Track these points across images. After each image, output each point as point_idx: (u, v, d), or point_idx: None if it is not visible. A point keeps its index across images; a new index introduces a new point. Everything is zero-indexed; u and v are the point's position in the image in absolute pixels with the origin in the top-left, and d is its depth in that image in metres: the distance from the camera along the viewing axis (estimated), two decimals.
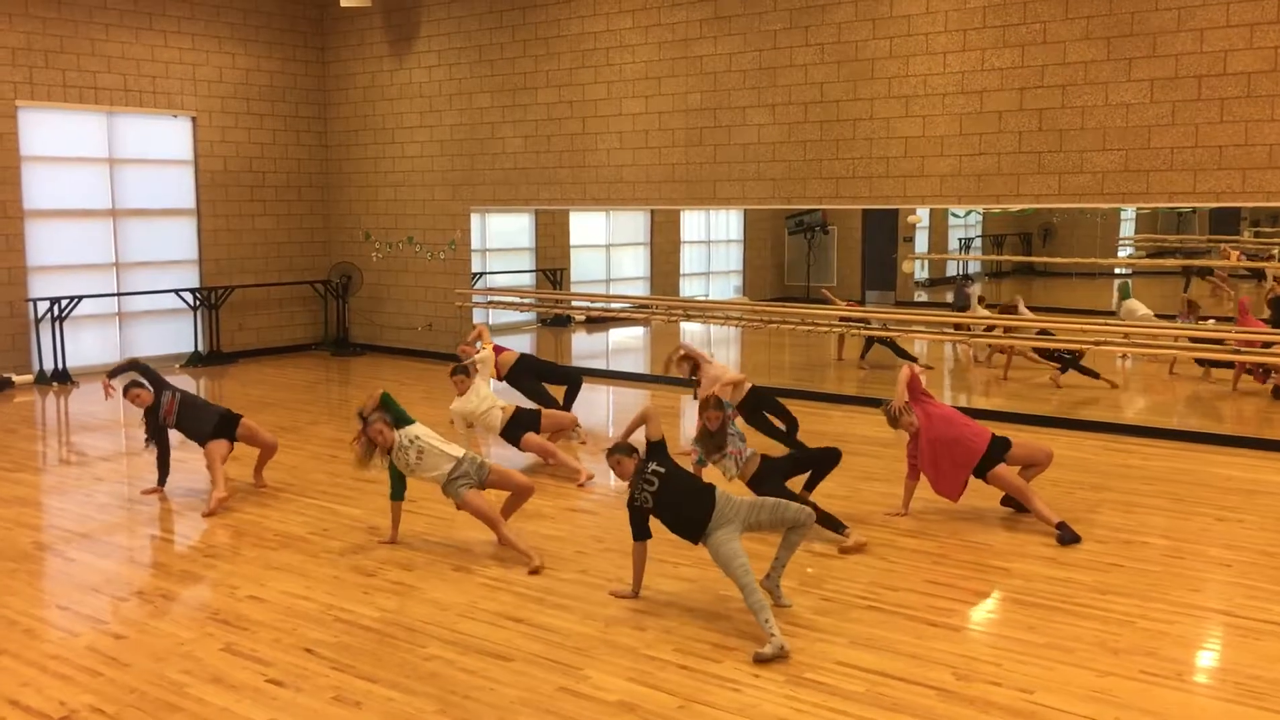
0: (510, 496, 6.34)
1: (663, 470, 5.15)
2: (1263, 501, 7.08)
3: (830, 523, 6.08)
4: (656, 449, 5.28)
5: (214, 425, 7.33)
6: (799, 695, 4.27)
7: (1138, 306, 10.85)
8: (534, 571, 5.73)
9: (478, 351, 8.53)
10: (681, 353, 8.45)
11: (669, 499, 5.11)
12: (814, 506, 5.70)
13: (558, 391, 9.40)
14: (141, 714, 4.18)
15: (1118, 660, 4.61)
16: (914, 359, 9.37)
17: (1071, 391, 10.59)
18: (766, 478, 6.26)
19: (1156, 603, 5.28)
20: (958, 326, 11.05)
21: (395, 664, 4.63)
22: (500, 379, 9.15)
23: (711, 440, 6.31)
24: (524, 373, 9.31)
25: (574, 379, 9.63)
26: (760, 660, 4.56)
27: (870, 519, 6.66)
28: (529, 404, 8.70)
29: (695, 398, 8.29)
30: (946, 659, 4.63)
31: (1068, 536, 6.17)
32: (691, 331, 14.40)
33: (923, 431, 6.55)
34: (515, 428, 7.94)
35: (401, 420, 6.12)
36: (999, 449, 6.55)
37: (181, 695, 4.34)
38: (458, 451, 6.12)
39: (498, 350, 9.09)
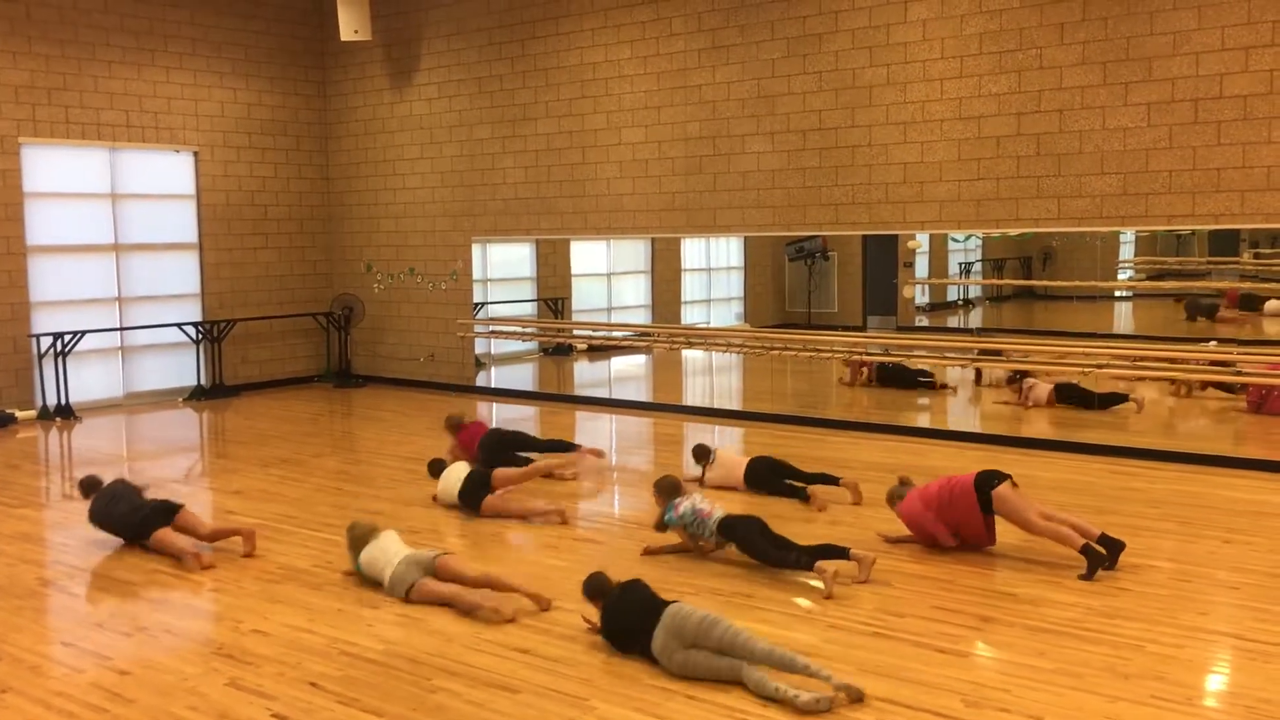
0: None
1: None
2: (1271, 523, 7.06)
3: (802, 562, 5.95)
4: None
5: (143, 517, 6.82)
6: None
7: None
8: (541, 607, 5.61)
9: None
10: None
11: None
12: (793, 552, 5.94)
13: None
14: None
15: (1127, 685, 4.59)
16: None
17: (1075, 415, 10.58)
18: (739, 525, 6.24)
19: (1165, 627, 5.26)
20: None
21: (401, 697, 4.60)
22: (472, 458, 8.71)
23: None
24: (494, 446, 8.87)
25: (554, 448, 9.12)
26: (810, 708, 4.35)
27: (875, 545, 6.63)
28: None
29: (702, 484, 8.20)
30: (955, 685, 4.61)
31: (1093, 565, 5.97)
32: (693, 358, 14.41)
33: (926, 509, 6.48)
34: (472, 492, 7.60)
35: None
36: (990, 477, 6.39)
37: None
38: (396, 557, 5.92)
39: (464, 435, 9.01)
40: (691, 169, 11.53)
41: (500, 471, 7.71)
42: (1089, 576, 5.91)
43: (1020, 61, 9.53)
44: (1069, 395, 10.75)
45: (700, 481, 8.09)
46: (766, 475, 7.93)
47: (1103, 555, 5.99)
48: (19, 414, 11.96)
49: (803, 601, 5.66)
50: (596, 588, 5.17)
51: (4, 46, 11.87)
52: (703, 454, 8.23)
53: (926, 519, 6.42)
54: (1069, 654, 4.93)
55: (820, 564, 5.84)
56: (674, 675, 4.69)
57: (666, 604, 4.87)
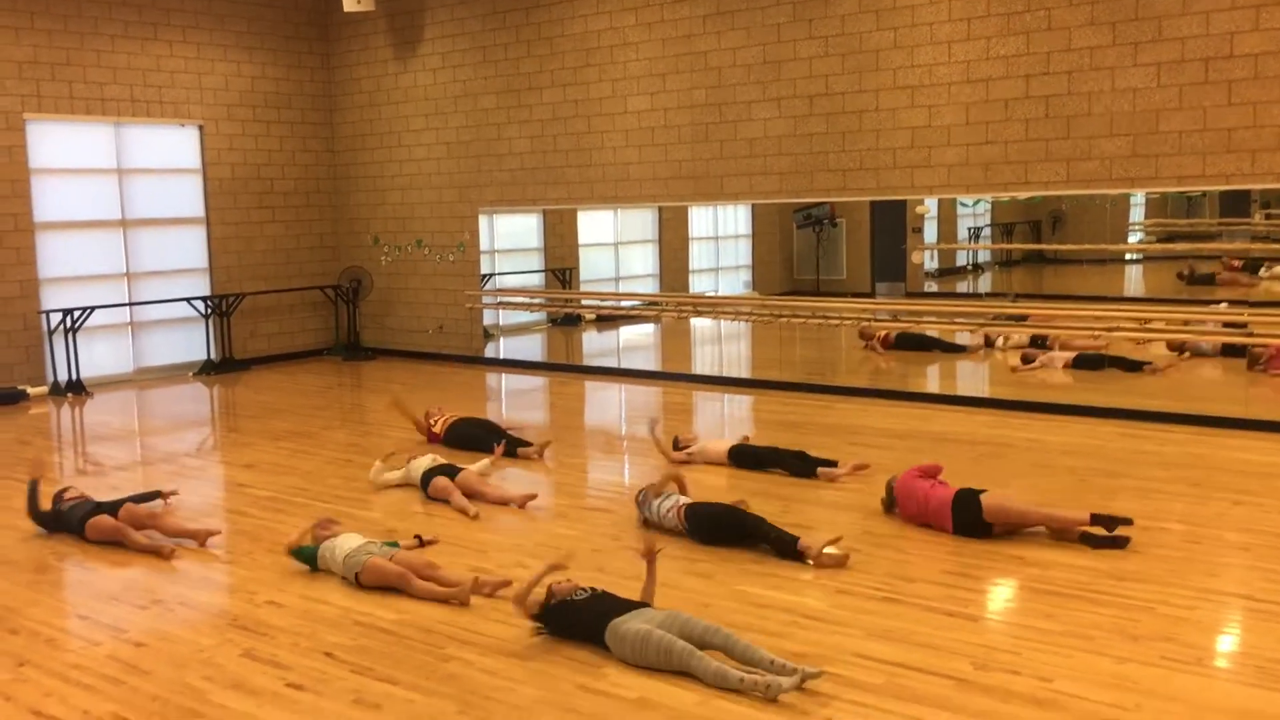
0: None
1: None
2: None
3: (787, 550, 5.84)
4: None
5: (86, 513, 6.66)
6: (817, 687, 4.27)
7: None
8: (462, 603, 5.32)
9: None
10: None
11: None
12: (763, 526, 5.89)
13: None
14: None
15: (1137, 646, 4.60)
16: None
17: (1088, 379, 10.56)
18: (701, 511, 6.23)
19: (1175, 588, 5.27)
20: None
21: (414, 666, 4.64)
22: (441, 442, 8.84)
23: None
24: (456, 437, 8.85)
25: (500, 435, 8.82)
26: (773, 692, 4.21)
27: (881, 512, 6.64)
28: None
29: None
30: (965, 649, 4.63)
31: (1103, 537, 5.84)
32: (701, 327, 14.39)
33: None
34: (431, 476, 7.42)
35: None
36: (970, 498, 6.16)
37: (203, 702, 4.36)
38: (351, 544, 5.82)
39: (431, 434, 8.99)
40: (698, 136, 11.48)
41: (463, 477, 7.38)
42: (1096, 545, 5.86)
43: (1029, 23, 9.44)
44: (1089, 364, 10.72)
45: (678, 448, 8.15)
46: (753, 453, 7.89)
47: (1102, 535, 5.86)
48: (30, 390, 12.02)
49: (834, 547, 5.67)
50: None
51: (7, 22, 11.84)
52: (681, 445, 8.24)
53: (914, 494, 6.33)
54: (1078, 616, 4.94)
55: (804, 543, 5.78)
56: (622, 657, 4.56)
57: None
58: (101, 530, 6.52)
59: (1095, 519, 5.90)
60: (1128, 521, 5.90)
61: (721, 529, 6.09)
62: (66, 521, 6.72)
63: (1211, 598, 5.16)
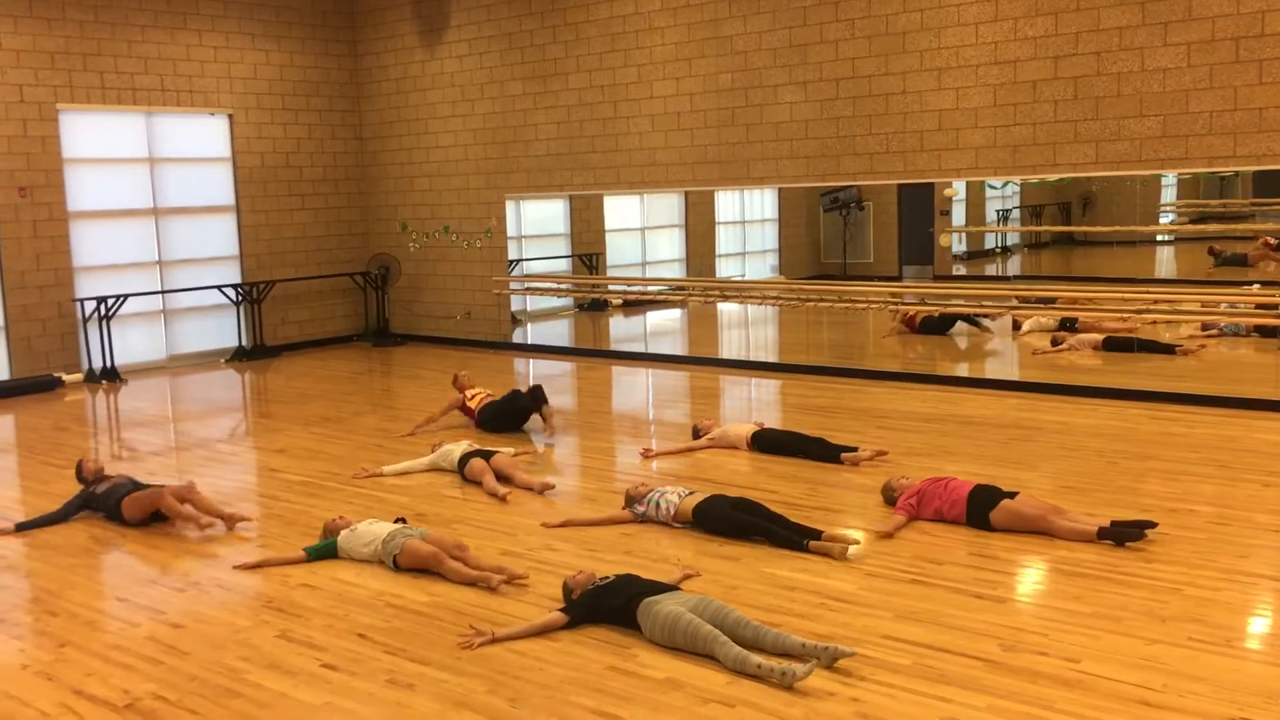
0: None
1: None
2: None
3: (791, 543, 5.79)
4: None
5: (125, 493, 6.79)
6: (846, 669, 4.30)
7: None
8: (491, 588, 5.35)
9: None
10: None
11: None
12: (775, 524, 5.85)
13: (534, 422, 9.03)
14: (202, 700, 4.29)
15: (1165, 628, 4.60)
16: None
17: (1117, 361, 10.52)
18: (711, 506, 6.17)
19: (1204, 570, 5.26)
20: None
21: (446, 646, 4.71)
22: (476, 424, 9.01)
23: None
24: (488, 418, 8.94)
25: (534, 398, 8.93)
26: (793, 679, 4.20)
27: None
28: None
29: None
30: (993, 630, 4.65)
31: (1122, 534, 5.64)
32: (728, 312, 14.41)
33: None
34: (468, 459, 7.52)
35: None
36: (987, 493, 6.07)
37: (240, 681, 4.45)
38: (383, 531, 5.88)
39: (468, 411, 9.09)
40: (724, 121, 11.47)
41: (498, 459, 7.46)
42: (1120, 542, 5.64)
43: (1057, 3, 9.37)
44: (1118, 346, 10.69)
45: (698, 437, 8.18)
46: (776, 438, 7.89)
47: (1124, 532, 5.65)
48: (66, 377, 12.19)
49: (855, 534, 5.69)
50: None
51: (39, 13, 11.97)
52: (701, 432, 8.25)
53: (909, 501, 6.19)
54: (1106, 598, 4.95)
55: (813, 544, 5.72)
56: (650, 636, 4.61)
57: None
58: (139, 503, 6.63)
59: (1103, 533, 5.64)
60: (1140, 531, 5.65)
61: (729, 528, 6.06)
62: (101, 503, 6.83)
63: (1240, 579, 5.15)
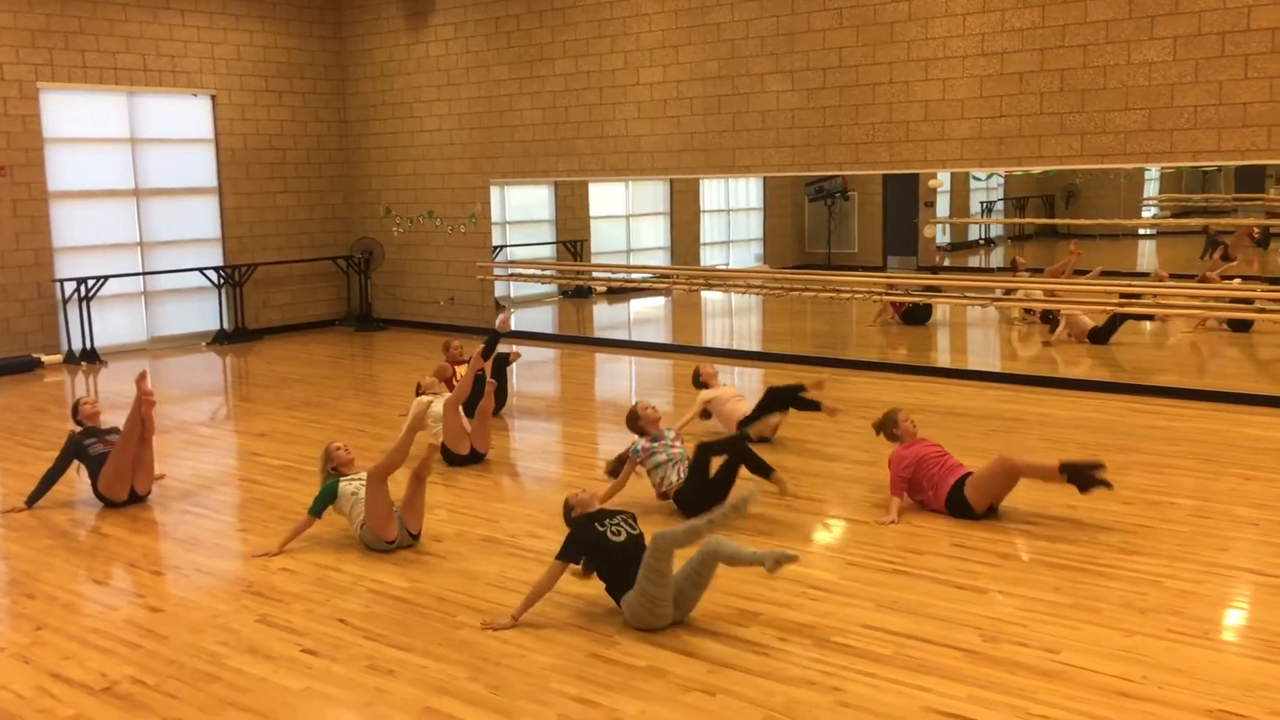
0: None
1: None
2: None
3: (761, 467, 6.28)
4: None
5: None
6: (827, 658, 4.31)
7: None
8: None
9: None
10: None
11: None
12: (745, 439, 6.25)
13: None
14: (181, 684, 4.26)
15: (1145, 620, 4.63)
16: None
17: (1094, 352, 10.56)
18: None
19: (1184, 562, 5.29)
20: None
21: (427, 633, 4.69)
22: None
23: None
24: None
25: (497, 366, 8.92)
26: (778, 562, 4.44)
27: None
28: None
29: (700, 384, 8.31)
30: (973, 620, 4.66)
31: (1080, 473, 5.76)
32: (712, 300, 14.40)
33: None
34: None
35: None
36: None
37: (219, 666, 4.42)
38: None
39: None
40: (710, 109, 11.44)
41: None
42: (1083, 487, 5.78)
43: None
44: (1102, 338, 10.77)
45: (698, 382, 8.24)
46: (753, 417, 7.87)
47: (1082, 472, 5.76)
48: (45, 358, 12.10)
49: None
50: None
51: None
52: (702, 381, 8.26)
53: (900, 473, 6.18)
54: (1086, 589, 4.97)
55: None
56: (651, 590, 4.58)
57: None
58: (112, 481, 6.59)
59: (1064, 468, 5.78)
60: (1098, 468, 5.76)
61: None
62: (88, 459, 6.74)
63: (1220, 572, 5.18)
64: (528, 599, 4.78)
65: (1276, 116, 8.49)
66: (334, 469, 6.06)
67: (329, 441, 6.35)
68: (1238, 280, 10.20)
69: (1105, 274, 11.03)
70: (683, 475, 6.21)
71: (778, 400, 7.79)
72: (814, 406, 7.71)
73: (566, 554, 4.78)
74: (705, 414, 8.13)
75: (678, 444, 6.37)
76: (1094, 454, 7.23)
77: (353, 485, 5.87)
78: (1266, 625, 4.58)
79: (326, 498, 5.87)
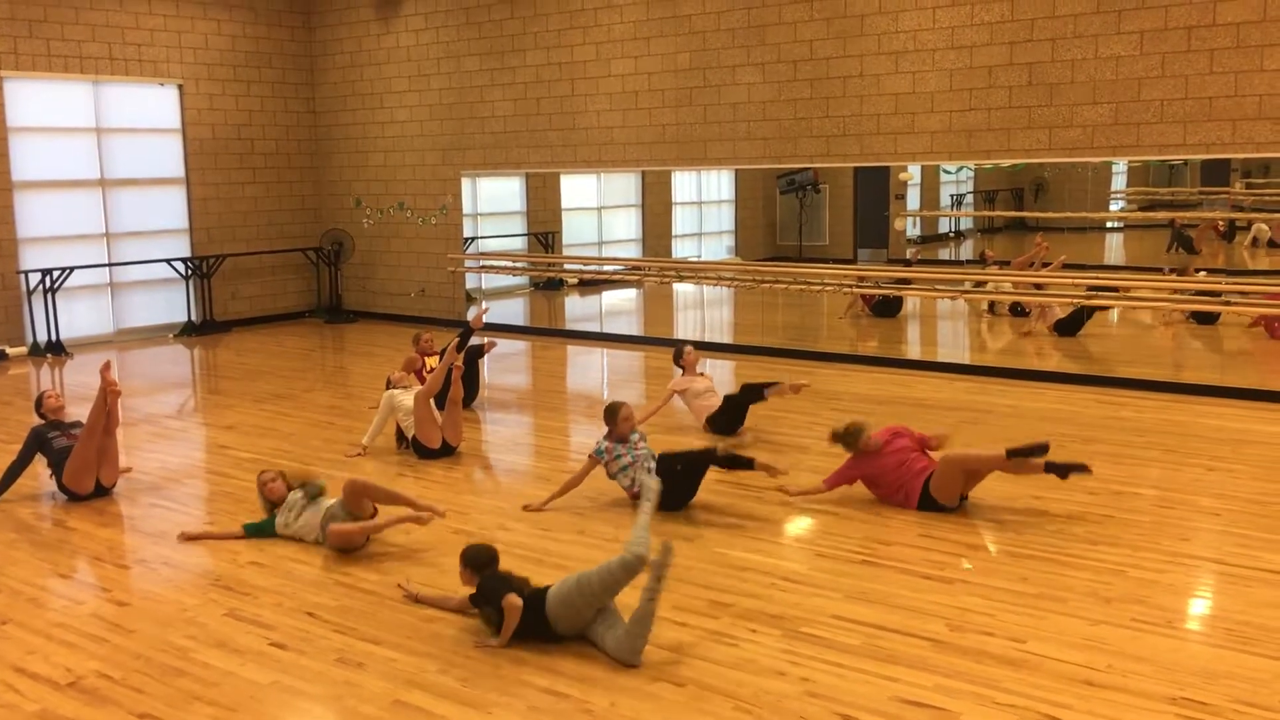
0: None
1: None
2: (1252, 451, 7.15)
3: (738, 462, 6.23)
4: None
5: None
6: (796, 649, 4.34)
7: None
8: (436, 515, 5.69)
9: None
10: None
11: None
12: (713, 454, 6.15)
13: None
14: (147, 679, 4.23)
15: (1109, 609, 4.68)
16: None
17: (1061, 344, 10.65)
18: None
19: (1147, 552, 5.35)
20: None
21: (396, 626, 4.68)
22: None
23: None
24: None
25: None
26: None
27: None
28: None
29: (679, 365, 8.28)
30: (941, 610, 4.70)
31: (1027, 451, 5.84)
32: (684, 292, 14.42)
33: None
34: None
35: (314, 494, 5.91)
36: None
37: (187, 660, 4.40)
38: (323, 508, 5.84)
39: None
40: (682, 101, 11.44)
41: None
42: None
43: None
44: (1068, 329, 10.87)
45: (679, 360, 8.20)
46: (726, 420, 7.87)
47: (1027, 450, 5.85)
48: (10, 350, 11.96)
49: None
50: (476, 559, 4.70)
51: None
52: (684, 361, 8.23)
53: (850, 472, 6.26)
54: (1051, 579, 5.02)
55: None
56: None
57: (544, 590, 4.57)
58: (77, 473, 6.56)
59: (1011, 453, 5.83)
60: (1043, 449, 5.84)
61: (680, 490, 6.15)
62: (51, 453, 6.68)
63: (1183, 562, 5.25)
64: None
65: (1241, 111, 8.58)
66: (270, 502, 5.96)
67: (261, 470, 6.19)
68: (1202, 273, 10.32)
69: (1069, 266, 11.15)
70: (652, 470, 6.22)
71: (749, 398, 7.78)
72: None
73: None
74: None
75: (642, 444, 6.36)
76: (1061, 444, 7.30)
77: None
78: (1228, 614, 4.65)
79: (264, 532, 5.87)
